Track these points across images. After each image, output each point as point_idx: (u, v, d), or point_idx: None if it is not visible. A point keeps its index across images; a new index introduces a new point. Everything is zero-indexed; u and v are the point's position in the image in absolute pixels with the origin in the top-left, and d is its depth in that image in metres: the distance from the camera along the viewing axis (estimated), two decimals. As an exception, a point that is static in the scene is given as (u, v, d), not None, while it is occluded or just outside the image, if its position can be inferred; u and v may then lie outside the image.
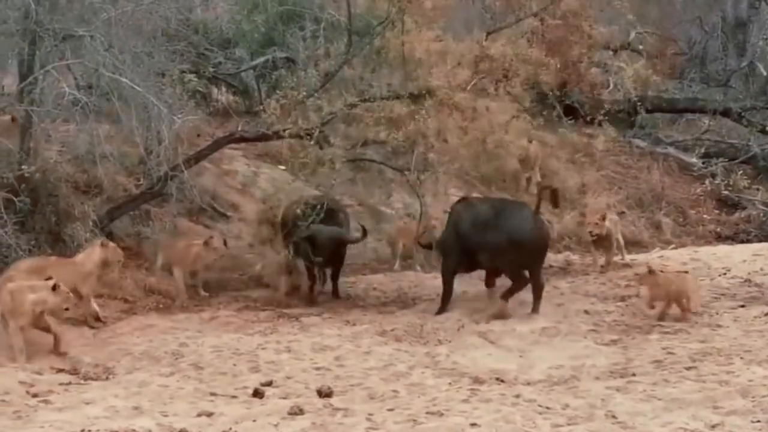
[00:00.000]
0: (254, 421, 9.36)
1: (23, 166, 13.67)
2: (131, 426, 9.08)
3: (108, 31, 13.67)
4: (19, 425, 9.22)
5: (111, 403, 9.88)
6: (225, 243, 15.03)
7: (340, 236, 14.58)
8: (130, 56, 13.74)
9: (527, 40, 15.62)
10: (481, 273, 14.25)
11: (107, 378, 10.93)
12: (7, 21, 13.86)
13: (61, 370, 11.15)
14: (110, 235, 14.76)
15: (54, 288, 11.41)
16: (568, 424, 9.09)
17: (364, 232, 14.62)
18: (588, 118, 16.09)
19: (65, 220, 14.23)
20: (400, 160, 16.03)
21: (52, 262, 12.82)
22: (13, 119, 14.44)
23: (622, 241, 16.35)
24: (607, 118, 15.74)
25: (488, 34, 16.06)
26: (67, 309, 11.66)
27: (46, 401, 9.99)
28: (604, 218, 15.65)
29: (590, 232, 15.68)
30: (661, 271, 13.11)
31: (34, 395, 10.18)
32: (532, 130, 15.53)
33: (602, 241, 15.82)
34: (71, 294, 11.70)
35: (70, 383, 10.70)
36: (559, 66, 15.53)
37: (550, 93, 15.74)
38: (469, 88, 14.73)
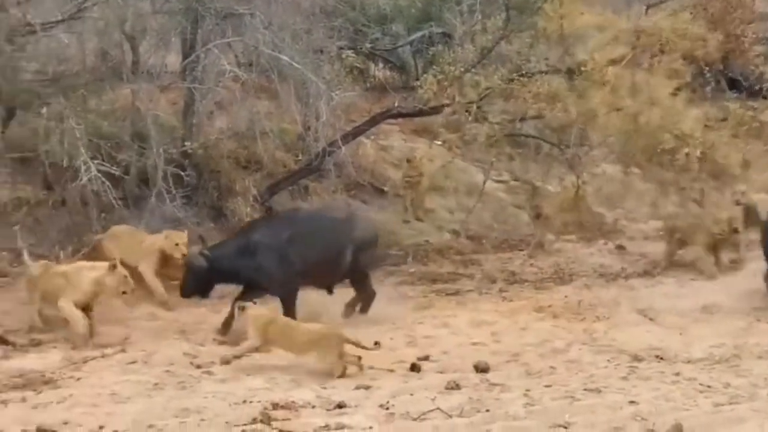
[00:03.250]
0: (411, 395, 9.39)
1: (186, 143, 14.02)
2: (291, 397, 9.22)
3: (267, 9, 13.88)
4: (183, 395, 9.46)
5: (271, 375, 10.08)
6: None
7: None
8: (289, 33, 13.93)
9: (689, 14, 15.26)
10: None
11: (267, 351, 11.12)
12: (170, 0, 14.20)
13: (223, 343, 11.38)
14: (269, 210, 15.02)
15: (112, 268, 11.21)
16: (730, 403, 8.91)
17: (207, 258, 12.31)
18: (752, 91, 15.67)
19: (227, 195, 14.52)
20: (557, 136, 15.88)
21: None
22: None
23: None
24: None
25: (648, 7, 15.75)
26: (124, 293, 11.45)
27: (208, 372, 10.24)
28: None
29: None
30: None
31: (198, 366, 10.45)
32: (691, 104, 15.18)
33: None
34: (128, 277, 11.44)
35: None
36: (720, 39, 15.15)
37: (708, 67, 15.34)
38: (624, 62, 14.52)
